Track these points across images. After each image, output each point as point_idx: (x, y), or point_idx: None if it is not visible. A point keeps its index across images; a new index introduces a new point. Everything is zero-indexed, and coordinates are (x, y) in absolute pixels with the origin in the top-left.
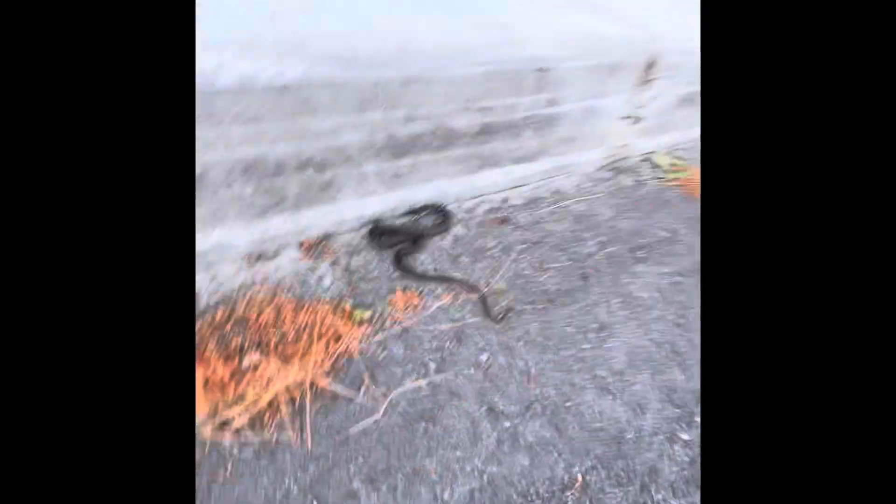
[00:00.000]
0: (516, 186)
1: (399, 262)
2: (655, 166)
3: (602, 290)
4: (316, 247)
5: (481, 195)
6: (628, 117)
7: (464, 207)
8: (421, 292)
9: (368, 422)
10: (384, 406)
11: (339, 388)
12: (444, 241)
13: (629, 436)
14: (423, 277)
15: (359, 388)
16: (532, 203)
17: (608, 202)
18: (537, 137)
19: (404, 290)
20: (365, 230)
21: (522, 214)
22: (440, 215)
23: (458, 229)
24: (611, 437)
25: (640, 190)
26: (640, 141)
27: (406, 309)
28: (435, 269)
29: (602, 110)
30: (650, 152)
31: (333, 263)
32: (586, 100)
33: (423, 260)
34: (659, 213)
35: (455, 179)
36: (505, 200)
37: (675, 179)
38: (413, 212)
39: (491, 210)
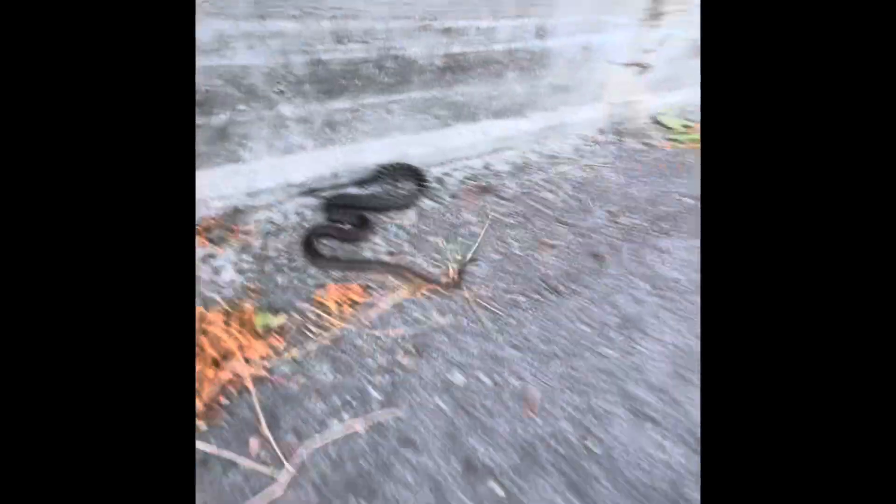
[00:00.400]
0: (498, 149)
1: (309, 246)
2: (664, 128)
3: (621, 272)
4: (217, 227)
5: (454, 160)
6: (634, 65)
7: (431, 175)
8: (367, 286)
9: (259, 502)
10: (289, 471)
11: (208, 447)
12: (404, 217)
13: (690, 490)
14: (341, 265)
15: (247, 444)
16: (521, 170)
17: (615, 167)
18: (523, 82)
19: (340, 281)
20: (313, 202)
21: (509, 183)
22: (414, 180)
23: (423, 201)
24: (663, 494)
25: (652, 154)
26: (647, 97)
27: (341, 310)
28: (374, 257)
29: (602, 50)
30: (659, 113)
31: (243, 250)
32: (583, 33)
33: (377, 242)
34: (679, 179)
35: (417, 136)
36: (487, 166)
37: (690, 142)
38: (372, 177)
39: (468, 178)
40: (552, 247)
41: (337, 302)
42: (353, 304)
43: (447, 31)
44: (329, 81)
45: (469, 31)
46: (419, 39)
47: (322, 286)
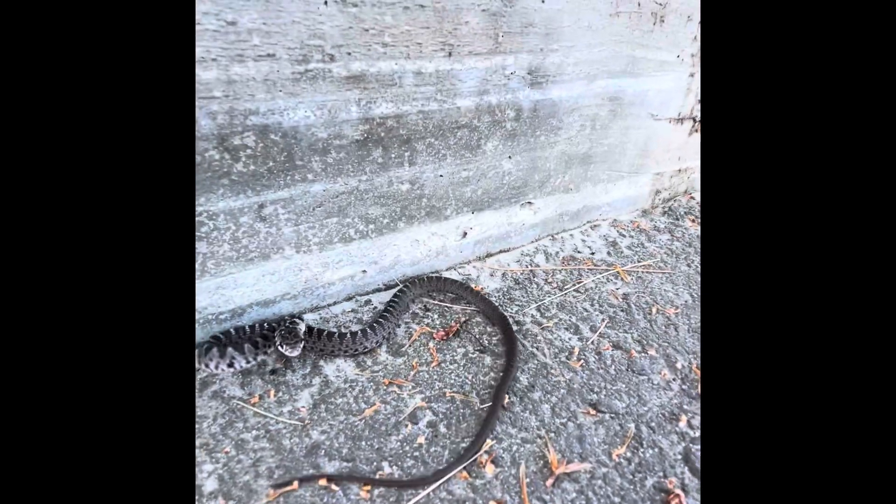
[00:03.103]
0: (484, 256)
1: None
2: None
3: None
4: None
5: (410, 280)
6: (686, 119)
7: (368, 307)
8: None
9: None
10: None
11: None
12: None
13: None
14: None
15: None
16: (522, 288)
17: (674, 271)
18: (518, 154)
19: None
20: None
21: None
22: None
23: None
24: None
25: None
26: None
27: None
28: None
29: (638, 101)
30: None
31: None
32: (609, 76)
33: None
34: None
35: (332, 251)
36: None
37: None
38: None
39: (427, 311)
40: (570, 477)
41: None
42: None
43: (357, 78)
44: None
45: (403, 79)
46: (303, 96)
47: None
